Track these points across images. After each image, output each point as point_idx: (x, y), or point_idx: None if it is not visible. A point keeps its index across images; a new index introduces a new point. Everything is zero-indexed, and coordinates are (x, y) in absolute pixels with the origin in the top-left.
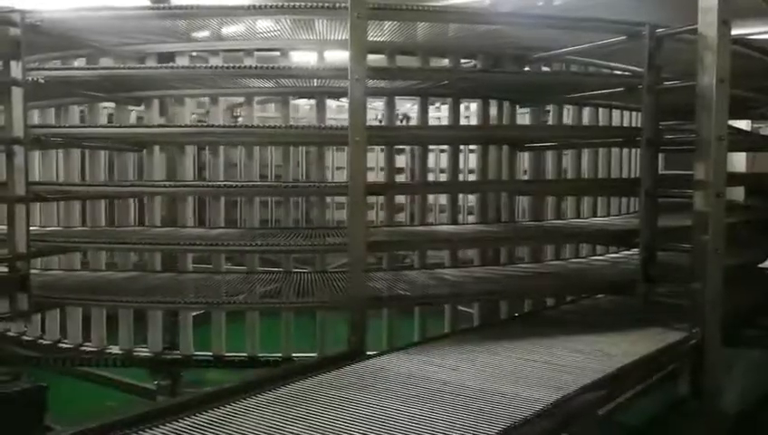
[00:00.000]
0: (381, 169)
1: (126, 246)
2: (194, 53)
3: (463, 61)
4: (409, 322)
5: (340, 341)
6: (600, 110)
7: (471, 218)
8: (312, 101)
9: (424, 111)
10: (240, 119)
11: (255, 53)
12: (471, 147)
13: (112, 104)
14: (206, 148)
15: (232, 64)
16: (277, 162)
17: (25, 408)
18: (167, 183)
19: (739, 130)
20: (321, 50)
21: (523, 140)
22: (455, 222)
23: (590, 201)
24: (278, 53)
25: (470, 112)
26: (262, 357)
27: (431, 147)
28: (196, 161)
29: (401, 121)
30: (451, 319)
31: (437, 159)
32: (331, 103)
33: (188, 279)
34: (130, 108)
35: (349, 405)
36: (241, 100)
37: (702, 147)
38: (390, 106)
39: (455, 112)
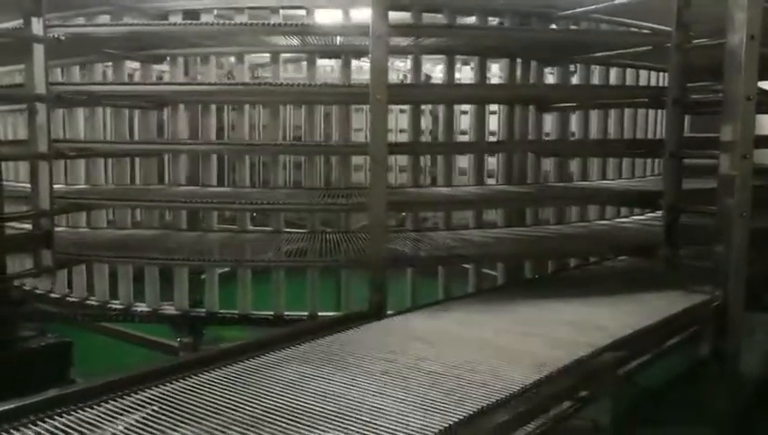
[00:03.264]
0: (400, 132)
1: (148, 204)
2: (219, 11)
3: (489, 19)
4: (434, 283)
5: (365, 301)
6: (627, 70)
7: (493, 181)
8: (337, 62)
9: (450, 71)
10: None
11: (281, 10)
12: (494, 108)
13: (136, 64)
14: (230, 108)
15: (257, 21)
16: (300, 124)
17: (51, 363)
18: (190, 142)
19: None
20: (346, 8)
21: (548, 100)
22: (479, 184)
23: (615, 163)
24: (303, 11)
25: (494, 75)
26: (287, 316)
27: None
28: (221, 122)
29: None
30: (475, 280)
31: (459, 120)
32: (358, 65)
33: (214, 238)
34: (154, 66)
35: (364, 362)
36: (264, 61)
37: (729, 106)
38: (416, 66)
39: (481, 72)
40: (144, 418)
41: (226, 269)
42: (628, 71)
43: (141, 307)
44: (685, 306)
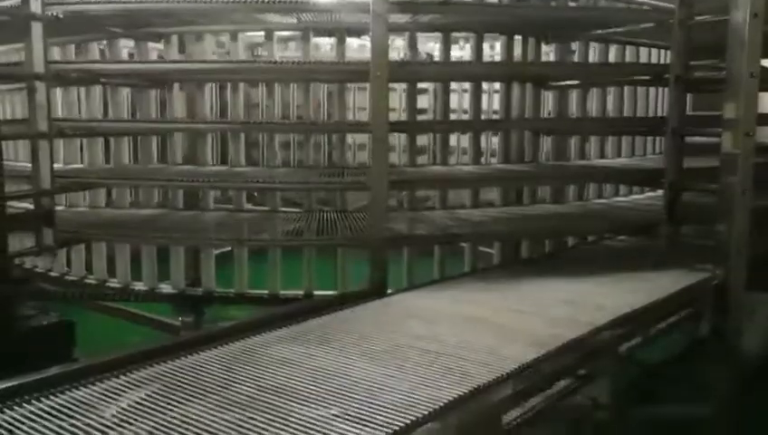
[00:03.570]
0: (403, 111)
1: (151, 183)
2: None
3: None
4: (429, 262)
5: (363, 280)
6: (627, 48)
7: (494, 161)
8: (333, 40)
9: (447, 48)
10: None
11: None
12: (494, 88)
13: (131, 43)
14: (227, 87)
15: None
16: (299, 103)
17: (53, 342)
18: (189, 121)
19: None
20: None
21: (547, 78)
22: (476, 163)
23: (614, 142)
24: None
25: (494, 53)
26: (283, 295)
27: (453, 87)
28: (217, 101)
29: None
30: (471, 260)
31: (460, 99)
32: (351, 42)
33: (211, 217)
34: (150, 45)
35: (362, 340)
36: (260, 40)
37: (732, 83)
38: (413, 43)
39: (478, 50)
40: (147, 396)
41: (227, 249)
42: (628, 48)
43: (139, 286)
44: (685, 285)
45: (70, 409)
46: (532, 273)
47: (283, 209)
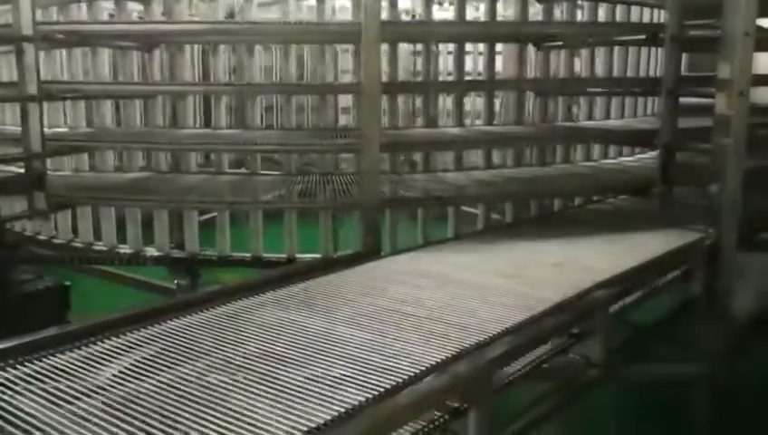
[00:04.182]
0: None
1: (140, 145)
2: None
3: None
4: (412, 226)
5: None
6: (618, 7)
7: (479, 123)
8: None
9: (428, 8)
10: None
11: None
12: (479, 49)
13: (111, 4)
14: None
15: None
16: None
17: (48, 305)
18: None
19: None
20: None
21: (536, 37)
22: (460, 125)
23: (603, 104)
24: None
25: (478, 14)
26: (265, 257)
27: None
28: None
29: None
30: (455, 223)
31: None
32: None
33: (194, 180)
34: (130, 5)
35: (346, 304)
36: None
37: (727, 42)
38: (394, 2)
39: (460, 10)
40: (141, 358)
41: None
42: (620, 7)
43: (124, 249)
44: (677, 245)
45: (63, 370)
46: (521, 236)
47: (265, 172)
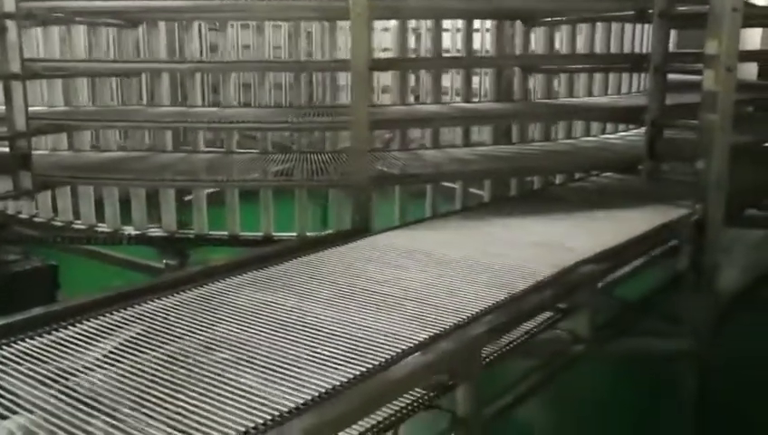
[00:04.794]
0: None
1: (124, 124)
2: None
3: None
4: (389, 204)
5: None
6: None
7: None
8: None
9: None
10: None
11: None
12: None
13: None
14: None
15: None
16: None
17: (37, 286)
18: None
19: (755, 6)
20: None
21: (535, 13)
22: (437, 102)
23: (601, 80)
24: None
25: None
26: (241, 236)
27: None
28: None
29: None
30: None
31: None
32: None
33: (200, 159)
34: None
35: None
36: None
37: (715, 18)
38: None
39: None
40: (131, 337)
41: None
42: None
43: (103, 227)
44: (663, 221)
45: (54, 349)
46: (502, 213)
47: (272, 150)
